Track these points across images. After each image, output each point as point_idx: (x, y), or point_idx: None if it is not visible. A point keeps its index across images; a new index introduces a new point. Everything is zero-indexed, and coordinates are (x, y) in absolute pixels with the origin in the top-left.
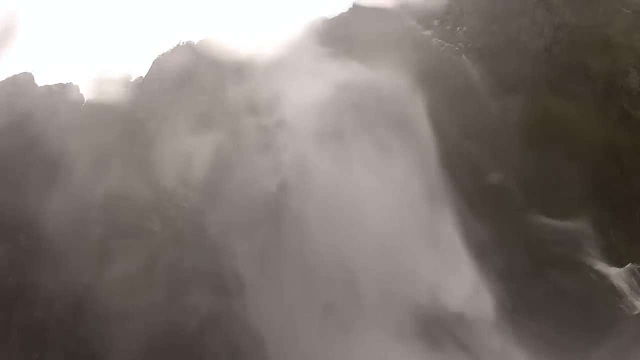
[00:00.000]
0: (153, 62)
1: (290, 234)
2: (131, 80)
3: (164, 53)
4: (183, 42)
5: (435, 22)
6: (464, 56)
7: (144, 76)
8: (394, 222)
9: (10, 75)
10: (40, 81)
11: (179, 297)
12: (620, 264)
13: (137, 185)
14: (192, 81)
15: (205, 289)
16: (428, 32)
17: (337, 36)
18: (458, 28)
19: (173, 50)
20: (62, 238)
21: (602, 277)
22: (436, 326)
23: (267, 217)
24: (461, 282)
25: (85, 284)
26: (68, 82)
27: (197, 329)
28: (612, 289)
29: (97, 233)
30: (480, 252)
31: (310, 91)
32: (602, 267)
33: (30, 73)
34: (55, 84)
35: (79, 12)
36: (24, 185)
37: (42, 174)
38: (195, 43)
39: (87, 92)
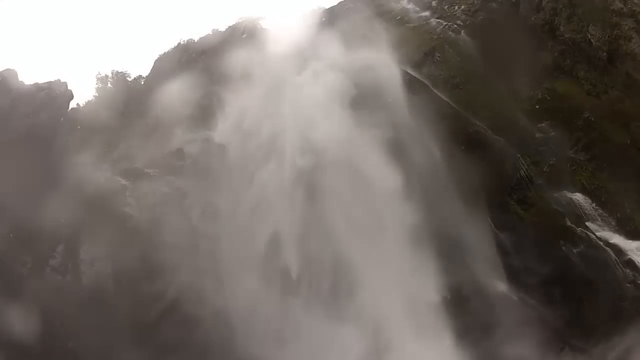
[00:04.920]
0: (155, 61)
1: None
2: (129, 79)
3: (165, 52)
4: (184, 41)
5: (434, 3)
6: (462, 33)
7: (144, 75)
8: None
9: None
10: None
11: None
12: (637, 236)
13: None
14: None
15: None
16: (426, 13)
17: (337, 22)
18: (456, 7)
19: (174, 49)
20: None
21: (619, 251)
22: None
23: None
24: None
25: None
26: (56, 79)
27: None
28: (631, 264)
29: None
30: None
31: (312, 77)
32: (619, 240)
33: (14, 70)
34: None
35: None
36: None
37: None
38: (195, 40)
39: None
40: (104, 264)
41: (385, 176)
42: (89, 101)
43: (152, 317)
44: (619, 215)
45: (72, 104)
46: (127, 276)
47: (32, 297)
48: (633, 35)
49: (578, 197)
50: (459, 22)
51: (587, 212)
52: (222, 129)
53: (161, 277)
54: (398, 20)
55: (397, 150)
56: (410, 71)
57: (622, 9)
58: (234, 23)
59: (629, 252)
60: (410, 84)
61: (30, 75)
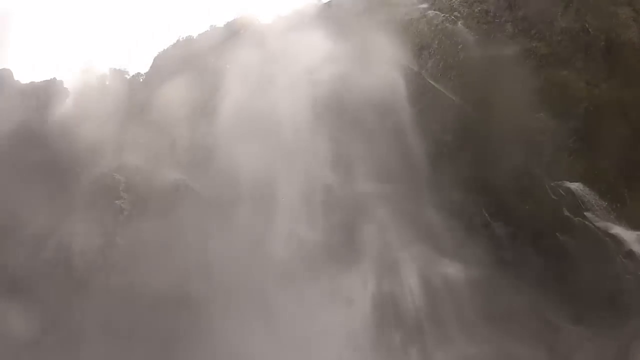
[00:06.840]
0: (154, 59)
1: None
2: (128, 77)
3: (164, 49)
4: (183, 38)
5: None
6: (459, 24)
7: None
8: None
9: None
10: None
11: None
12: (638, 227)
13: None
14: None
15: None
16: (424, 5)
17: (335, 16)
18: None
19: (173, 46)
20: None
21: (619, 243)
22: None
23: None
24: None
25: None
26: (52, 77)
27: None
28: (631, 255)
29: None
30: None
31: (309, 72)
32: (619, 231)
33: (9, 69)
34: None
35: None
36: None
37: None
38: (194, 37)
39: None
40: (95, 256)
41: (379, 166)
42: (86, 100)
43: (142, 308)
44: (618, 205)
45: (69, 103)
46: (118, 269)
47: (24, 289)
48: (631, 24)
49: (577, 186)
50: (456, 13)
51: (586, 201)
52: (220, 125)
53: (152, 269)
54: (395, 12)
55: (391, 140)
56: (407, 63)
57: None
58: (232, 19)
59: (629, 243)
60: (408, 75)
61: (26, 74)
